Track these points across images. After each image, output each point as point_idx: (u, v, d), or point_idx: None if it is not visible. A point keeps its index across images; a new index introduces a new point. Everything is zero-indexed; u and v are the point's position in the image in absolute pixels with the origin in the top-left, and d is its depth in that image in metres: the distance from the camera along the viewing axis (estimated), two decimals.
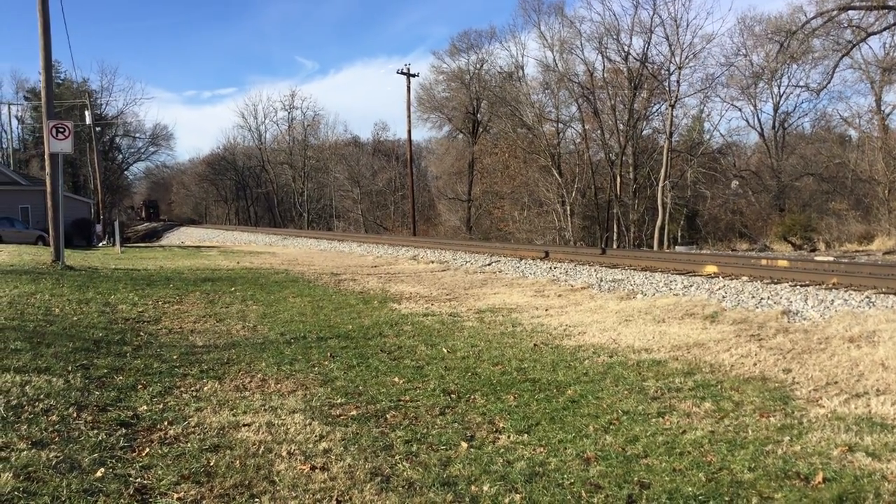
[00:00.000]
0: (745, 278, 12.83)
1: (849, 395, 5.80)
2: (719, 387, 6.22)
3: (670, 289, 12.43)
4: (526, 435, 5.05)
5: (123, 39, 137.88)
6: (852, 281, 11.54)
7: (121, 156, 79.34)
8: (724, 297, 11.26)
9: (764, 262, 15.85)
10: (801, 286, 11.52)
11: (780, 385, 6.23)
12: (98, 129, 57.70)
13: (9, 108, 67.48)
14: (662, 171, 37.07)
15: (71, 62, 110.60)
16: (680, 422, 5.28)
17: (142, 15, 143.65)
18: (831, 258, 18.53)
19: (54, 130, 16.96)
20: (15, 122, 74.95)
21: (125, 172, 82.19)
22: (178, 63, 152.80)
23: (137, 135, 77.84)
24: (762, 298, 10.82)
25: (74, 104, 57.04)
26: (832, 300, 10.20)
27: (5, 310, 9.69)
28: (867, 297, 10.18)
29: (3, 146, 71.33)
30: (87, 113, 48.89)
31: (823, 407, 5.54)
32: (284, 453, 4.60)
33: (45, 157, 17.81)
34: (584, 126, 42.31)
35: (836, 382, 6.22)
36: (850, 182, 38.44)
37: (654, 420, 5.34)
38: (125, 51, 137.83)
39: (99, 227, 43.90)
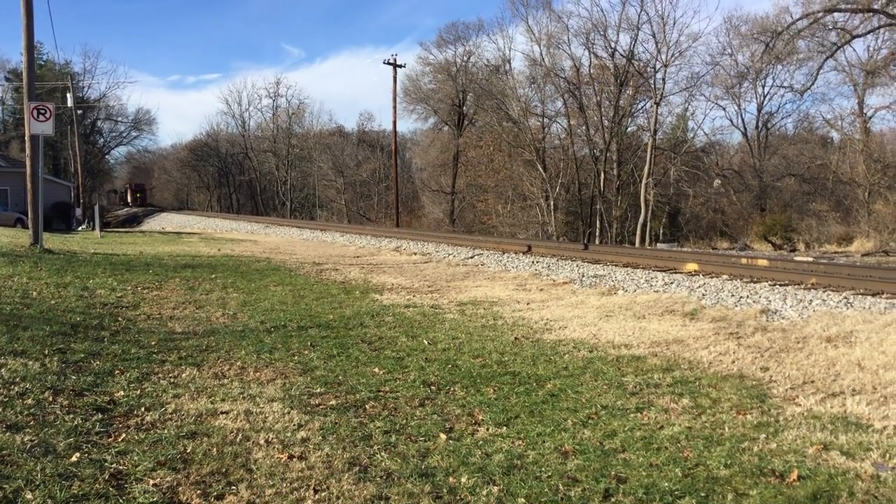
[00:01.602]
0: (725, 277, 12.93)
1: (825, 395, 5.86)
2: (697, 383, 6.26)
3: (651, 285, 12.50)
4: (505, 427, 5.06)
5: (107, 22, 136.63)
6: (831, 281, 11.65)
7: (102, 139, 78.69)
8: (703, 294, 11.34)
9: (744, 261, 15.97)
10: (781, 286, 11.62)
11: (757, 383, 6.28)
12: (80, 111, 57.04)
13: None
14: (646, 168, 37.24)
15: (54, 44, 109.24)
16: (658, 417, 5.31)
17: None
18: (811, 259, 18.72)
19: (35, 112, 16.74)
20: None
21: (106, 156, 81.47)
22: (162, 47, 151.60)
23: (119, 118, 77.28)
24: (741, 297, 10.90)
25: (56, 86, 56.29)
26: (811, 300, 10.30)
27: None
28: (845, 297, 10.29)
29: None
30: (68, 95, 48.26)
31: (800, 405, 5.59)
32: (262, 441, 4.58)
33: (26, 138, 17.56)
34: (569, 121, 42.38)
35: (812, 381, 6.28)
36: (831, 184, 38.87)
37: (632, 415, 5.37)
38: (109, 34, 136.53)
39: (79, 211, 43.47)
